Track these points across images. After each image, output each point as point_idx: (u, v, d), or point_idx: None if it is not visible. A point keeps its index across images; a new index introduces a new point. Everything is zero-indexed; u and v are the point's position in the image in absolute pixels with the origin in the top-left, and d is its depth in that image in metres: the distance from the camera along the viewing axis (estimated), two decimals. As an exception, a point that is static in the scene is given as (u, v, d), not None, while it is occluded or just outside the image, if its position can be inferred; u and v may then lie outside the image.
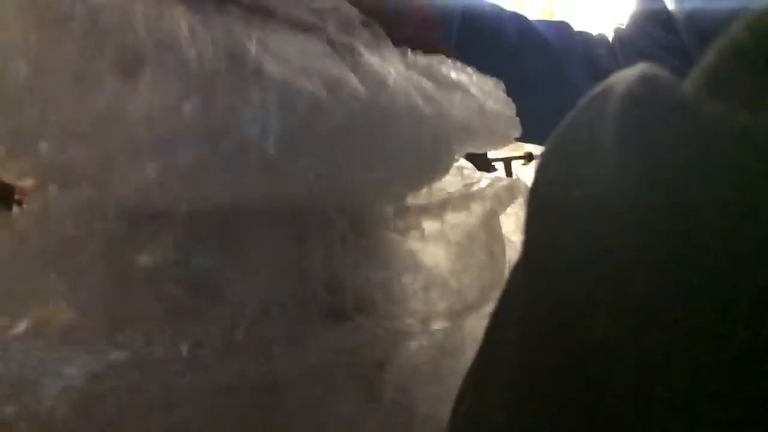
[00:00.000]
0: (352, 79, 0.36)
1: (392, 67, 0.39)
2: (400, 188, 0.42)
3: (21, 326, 0.33)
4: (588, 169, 0.20)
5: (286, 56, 0.34)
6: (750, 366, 0.15)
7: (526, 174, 2.80)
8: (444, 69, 0.44)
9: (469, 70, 0.46)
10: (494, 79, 0.47)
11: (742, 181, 0.17)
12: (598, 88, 0.21)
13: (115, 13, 0.31)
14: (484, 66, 0.47)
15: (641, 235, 0.17)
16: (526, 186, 0.47)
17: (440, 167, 0.42)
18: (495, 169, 2.20)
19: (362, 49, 0.38)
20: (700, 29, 0.64)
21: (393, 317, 0.39)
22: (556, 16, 3.05)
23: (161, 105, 0.31)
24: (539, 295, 0.20)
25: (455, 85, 0.43)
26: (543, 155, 0.22)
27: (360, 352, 0.38)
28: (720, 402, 0.15)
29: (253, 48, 0.33)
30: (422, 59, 0.44)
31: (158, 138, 0.31)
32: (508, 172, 2.17)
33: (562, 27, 0.75)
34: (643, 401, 0.16)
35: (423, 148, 0.39)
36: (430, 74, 0.42)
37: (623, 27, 0.80)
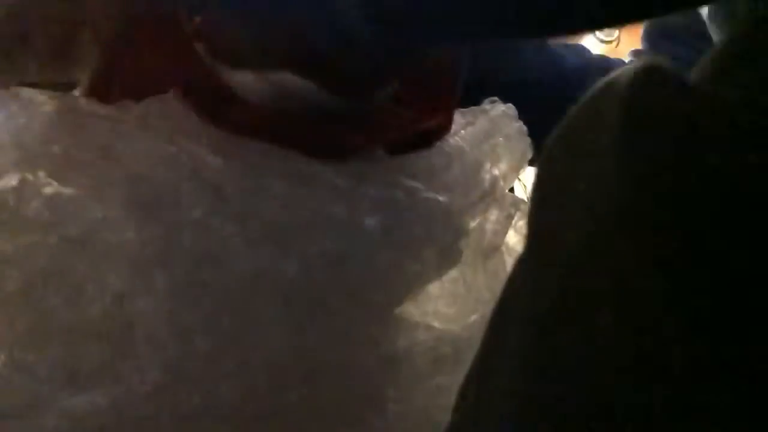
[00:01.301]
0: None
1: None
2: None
3: None
4: (591, 160, 0.20)
5: None
6: (750, 359, 0.15)
7: (525, 174, 2.80)
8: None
9: (468, 130, 0.45)
10: (504, 106, 0.46)
11: (743, 167, 0.17)
12: (603, 80, 0.21)
13: None
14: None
15: (644, 226, 0.17)
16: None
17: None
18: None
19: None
20: None
21: None
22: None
23: None
24: (544, 287, 0.20)
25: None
26: (547, 148, 0.21)
27: None
28: (719, 393, 0.15)
29: None
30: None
31: None
32: (508, 173, 2.18)
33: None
34: (645, 391, 0.16)
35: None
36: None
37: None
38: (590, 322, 0.17)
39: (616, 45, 3.10)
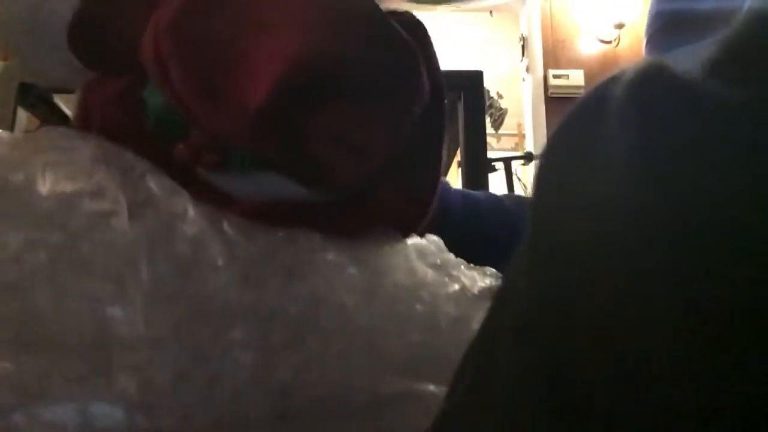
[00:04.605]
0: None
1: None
2: None
3: None
4: (593, 153, 0.20)
5: None
6: (744, 342, 0.15)
7: (526, 174, 2.80)
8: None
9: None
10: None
11: (741, 156, 0.17)
12: (604, 79, 0.21)
13: None
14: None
15: (644, 216, 0.18)
16: None
17: None
18: (495, 170, 2.20)
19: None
20: None
21: None
22: (556, 16, 3.05)
23: None
24: (544, 274, 0.20)
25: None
26: (548, 142, 0.22)
27: None
28: (712, 376, 0.15)
29: None
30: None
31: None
32: (508, 172, 2.17)
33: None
34: (640, 370, 0.16)
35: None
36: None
37: None
38: (588, 310, 0.18)
39: (615, 45, 3.10)
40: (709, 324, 0.16)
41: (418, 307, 0.40)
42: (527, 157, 2.36)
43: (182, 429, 0.32)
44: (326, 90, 0.37)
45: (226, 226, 0.36)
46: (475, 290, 0.44)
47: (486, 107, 3.27)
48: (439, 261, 0.45)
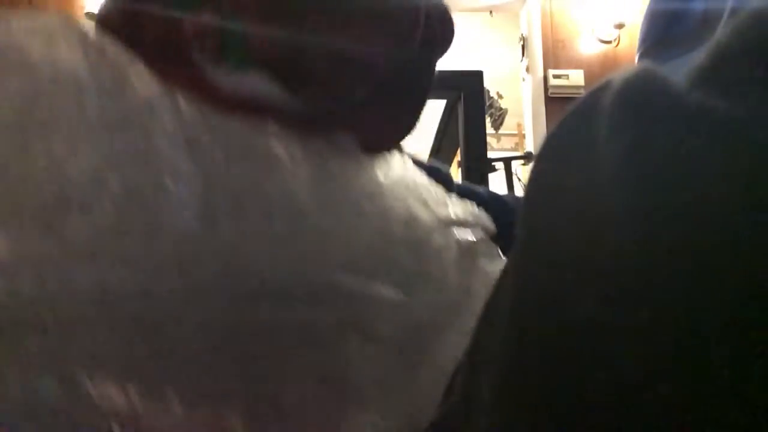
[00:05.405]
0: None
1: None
2: None
3: None
4: (582, 159, 0.20)
5: None
6: (742, 347, 0.15)
7: (526, 174, 2.81)
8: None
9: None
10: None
11: (727, 164, 0.17)
12: (597, 85, 0.21)
13: None
14: None
15: (632, 222, 0.18)
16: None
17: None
18: (495, 170, 2.20)
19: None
20: None
21: None
22: (556, 16, 3.06)
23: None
24: (534, 279, 0.20)
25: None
26: (540, 148, 0.22)
27: None
28: (706, 381, 0.15)
29: None
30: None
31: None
32: (508, 172, 2.18)
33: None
34: (630, 378, 0.16)
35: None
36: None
37: None
38: (577, 311, 0.18)
39: (616, 45, 3.10)
40: (702, 327, 0.16)
41: (370, 210, 0.41)
42: (527, 157, 2.37)
43: (125, 283, 0.33)
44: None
45: (182, 102, 0.38)
46: (441, 215, 0.45)
47: (486, 107, 3.27)
48: (412, 185, 0.46)
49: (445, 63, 0.49)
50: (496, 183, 2.11)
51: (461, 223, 0.46)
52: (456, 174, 2.06)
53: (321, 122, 0.43)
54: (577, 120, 0.22)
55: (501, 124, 3.93)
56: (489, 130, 3.76)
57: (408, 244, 0.41)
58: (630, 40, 2.93)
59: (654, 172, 0.18)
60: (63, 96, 0.36)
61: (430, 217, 0.44)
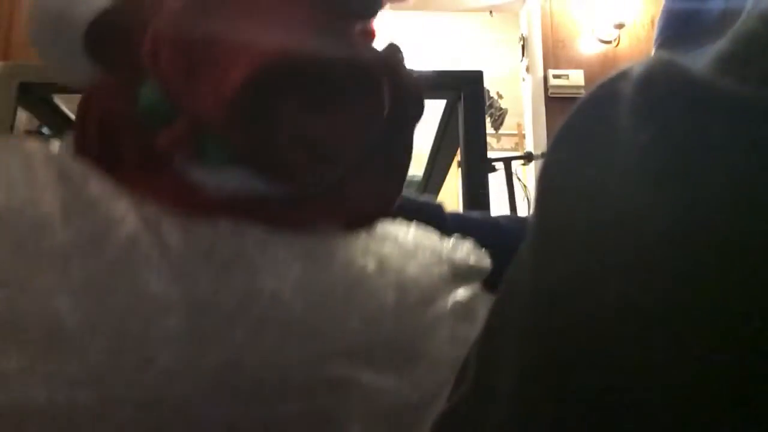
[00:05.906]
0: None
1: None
2: None
3: None
4: (603, 147, 0.20)
5: None
6: (749, 339, 0.15)
7: (526, 174, 2.80)
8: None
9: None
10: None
11: (748, 147, 0.17)
12: (614, 73, 0.21)
13: None
14: None
15: (653, 204, 0.18)
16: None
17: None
18: (495, 170, 2.20)
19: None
20: None
21: None
22: (556, 16, 3.05)
23: None
24: (552, 265, 0.20)
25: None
26: (555, 137, 0.22)
27: None
28: (718, 360, 0.15)
29: None
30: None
31: None
32: (508, 172, 2.17)
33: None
34: (652, 359, 0.16)
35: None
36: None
37: None
38: (599, 295, 0.18)
39: (616, 45, 3.09)
40: (717, 320, 0.16)
41: (359, 296, 0.42)
42: (527, 157, 2.36)
43: (116, 408, 0.36)
44: (293, 88, 0.43)
45: (164, 227, 0.39)
46: (435, 279, 0.46)
47: (486, 107, 3.27)
48: (404, 252, 0.46)
49: (445, 63, 0.49)
50: (496, 183, 2.10)
51: (457, 277, 0.46)
52: (456, 174, 2.05)
53: (304, 208, 0.45)
54: (595, 108, 0.21)
55: (501, 124, 3.93)
56: (489, 130, 3.76)
57: (399, 324, 0.42)
58: (630, 40, 2.93)
59: (686, 160, 0.18)
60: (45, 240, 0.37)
61: (426, 282, 0.44)
